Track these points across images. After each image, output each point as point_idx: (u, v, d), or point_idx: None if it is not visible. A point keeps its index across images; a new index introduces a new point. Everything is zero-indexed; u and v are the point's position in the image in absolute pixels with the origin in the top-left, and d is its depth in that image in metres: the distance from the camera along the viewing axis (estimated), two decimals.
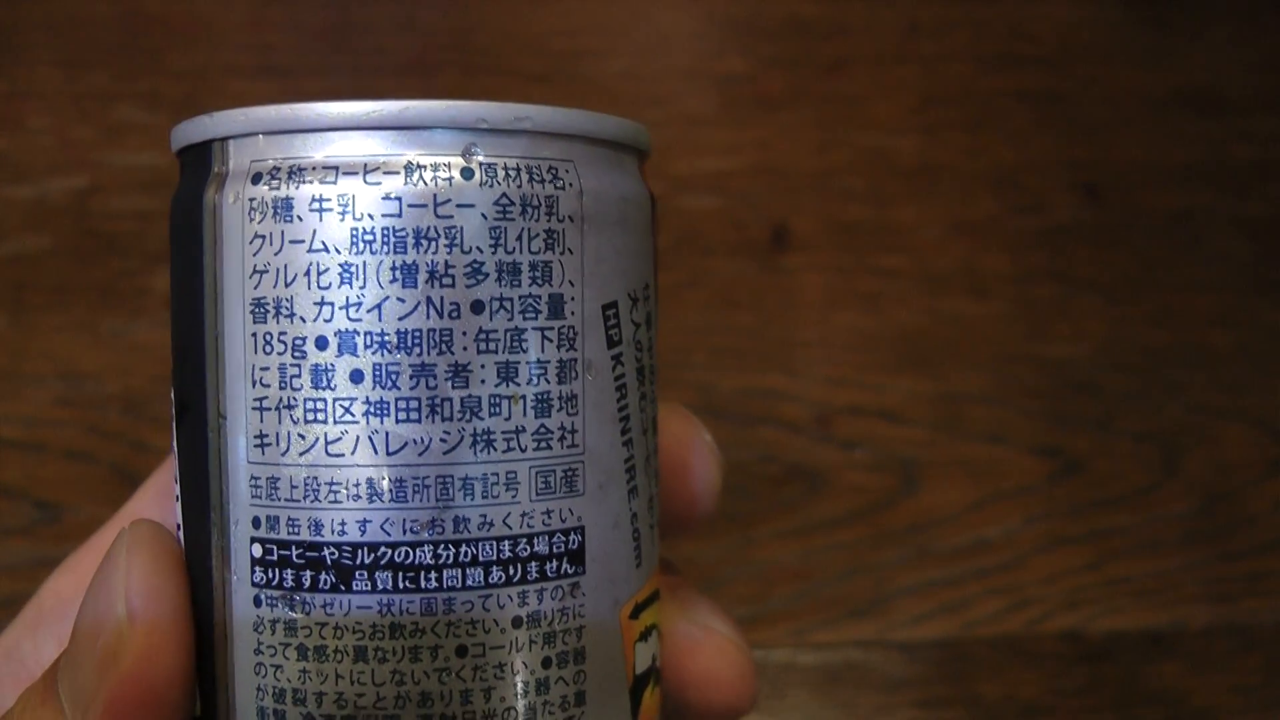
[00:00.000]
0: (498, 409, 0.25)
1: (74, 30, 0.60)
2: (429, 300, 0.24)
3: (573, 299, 0.26)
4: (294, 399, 0.25)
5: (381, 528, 0.24)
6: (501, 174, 0.25)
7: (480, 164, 0.25)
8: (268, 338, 0.25)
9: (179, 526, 0.27)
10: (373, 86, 0.61)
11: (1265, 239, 0.65)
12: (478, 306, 0.25)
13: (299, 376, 0.25)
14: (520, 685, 0.25)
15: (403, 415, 0.24)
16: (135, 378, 0.57)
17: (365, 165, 0.25)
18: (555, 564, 0.26)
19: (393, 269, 0.24)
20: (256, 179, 0.25)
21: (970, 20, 0.65)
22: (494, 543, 0.25)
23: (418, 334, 0.24)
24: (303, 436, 0.25)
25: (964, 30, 0.65)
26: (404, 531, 0.24)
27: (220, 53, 0.61)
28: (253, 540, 0.25)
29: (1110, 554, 0.61)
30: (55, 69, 0.60)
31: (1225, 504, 0.62)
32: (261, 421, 0.25)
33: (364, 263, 0.24)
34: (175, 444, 0.27)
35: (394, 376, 0.24)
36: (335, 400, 0.24)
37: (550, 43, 0.63)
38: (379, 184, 0.25)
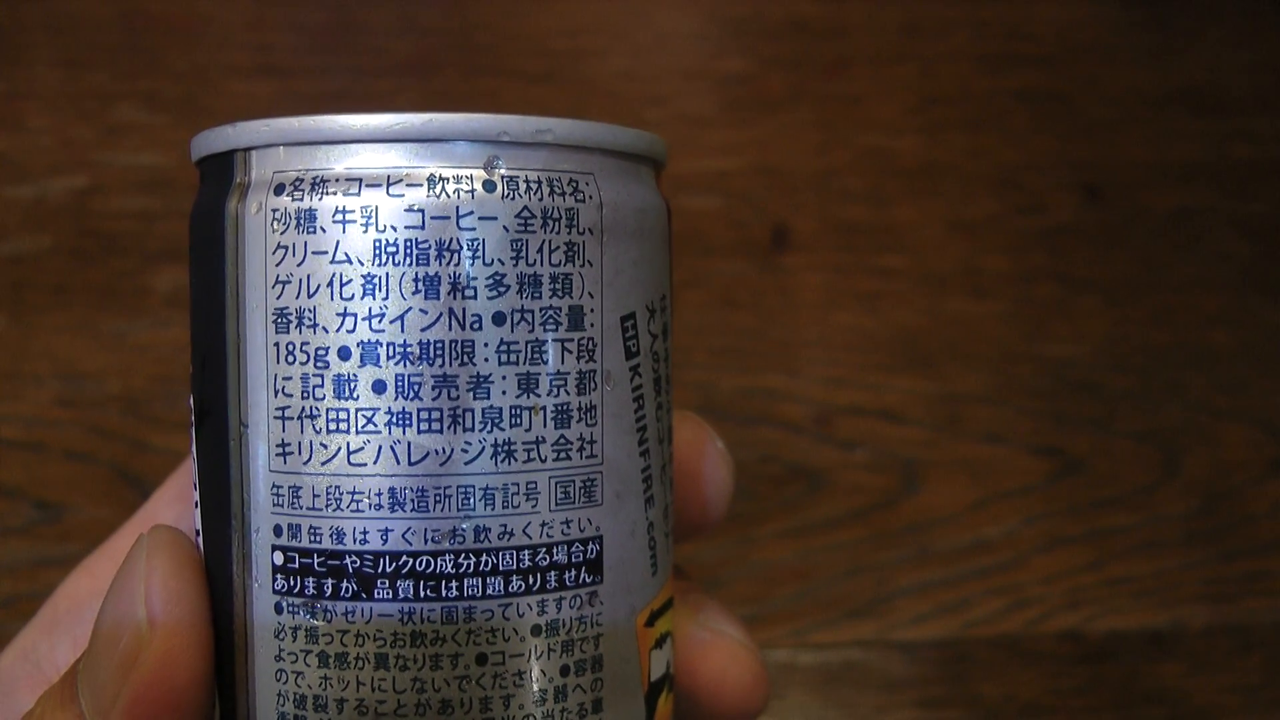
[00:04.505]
0: (518, 420, 0.25)
1: (74, 30, 0.60)
2: (451, 312, 0.25)
3: (592, 310, 0.26)
4: (316, 409, 0.25)
5: (403, 537, 0.25)
6: (523, 186, 0.25)
7: (502, 176, 0.25)
8: (290, 348, 0.25)
9: (198, 533, 0.27)
10: (373, 87, 0.61)
11: (1265, 239, 0.65)
12: (499, 318, 0.25)
13: (321, 386, 0.25)
14: (539, 693, 0.26)
15: (424, 426, 0.25)
16: (135, 378, 0.57)
17: (388, 177, 0.25)
18: (574, 573, 0.26)
19: (415, 280, 0.25)
20: (279, 190, 0.25)
21: (970, 20, 0.65)
22: (514, 552, 0.25)
23: (440, 345, 0.25)
24: (325, 446, 0.25)
25: (964, 30, 0.65)
26: (425, 541, 0.25)
27: (220, 53, 0.61)
28: (274, 548, 0.25)
29: (1110, 554, 0.61)
30: (55, 69, 0.60)
31: (1225, 504, 0.63)
32: (283, 430, 0.25)
33: (386, 274, 0.25)
34: (194, 450, 0.28)
35: (416, 387, 0.25)
36: (357, 410, 0.25)
37: (550, 43, 0.63)
38: (402, 196, 0.25)
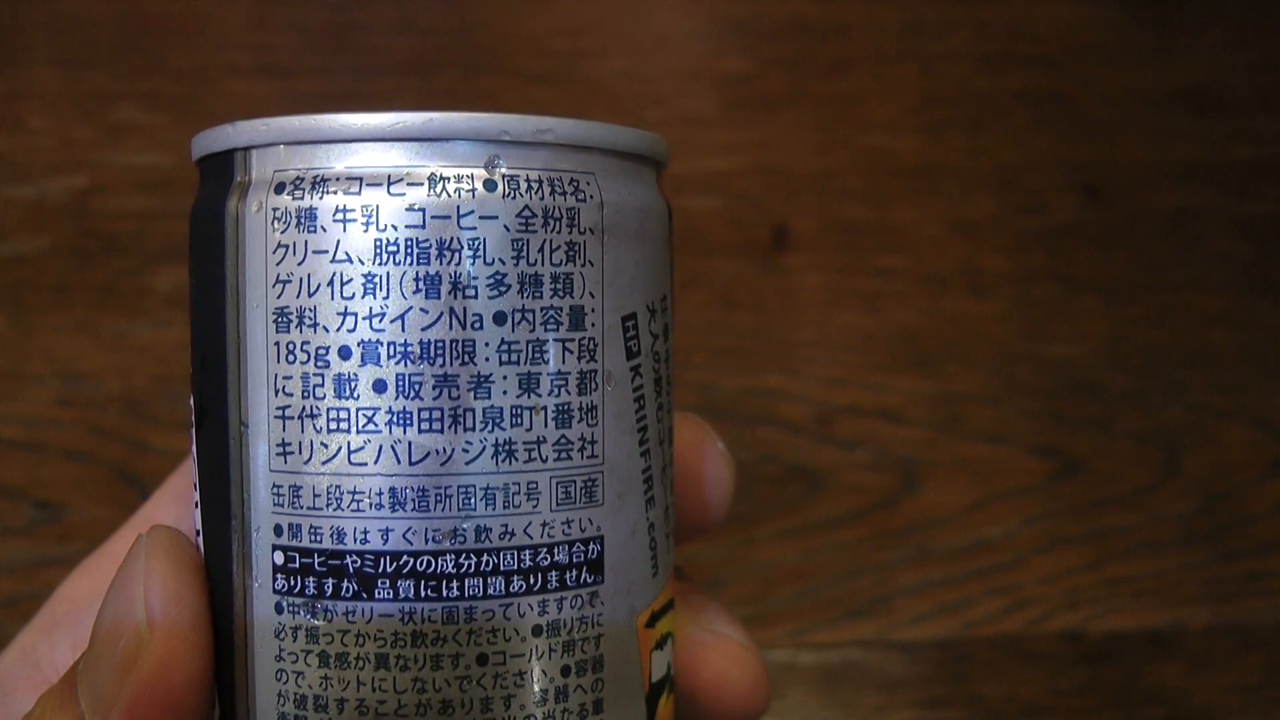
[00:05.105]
0: (519, 419, 0.25)
1: (74, 30, 0.60)
2: (451, 311, 0.25)
3: (593, 310, 0.26)
4: (317, 408, 0.25)
5: (404, 536, 0.25)
6: (524, 186, 0.25)
7: (503, 176, 0.25)
8: (290, 347, 0.25)
9: (198, 532, 0.27)
10: (373, 87, 0.61)
11: (1265, 239, 0.65)
12: (500, 318, 0.25)
13: (322, 386, 0.25)
14: (539, 693, 0.26)
15: (425, 425, 0.25)
16: (135, 378, 0.57)
17: (389, 176, 0.25)
18: (575, 573, 0.26)
19: (416, 280, 0.25)
20: (280, 189, 0.25)
21: (970, 20, 0.65)
22: (515, 552, 0.25)
23: (440, 345, 0.25)
24: (325, 445, 0.25)
25: (964, 30, 0.65)
26: (426, 540, 0.25)
27: (220, 53, 0.61)
28: (274, 548, 0.25)
29: (1110, 554, 0.61)
30: (55, 69, 0.60)
31: (1225, 504, 0.63)
32: (284, 430, 0.25)
33: (387, 273, 0.25)
34: (194, 450, 0.28)
35: (417, 387, 0.25)
36: (358, 410, 0.25)
37: (551, 43, 0.63)
38: (402, 195, 0.25)
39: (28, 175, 0.58)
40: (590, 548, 0.26)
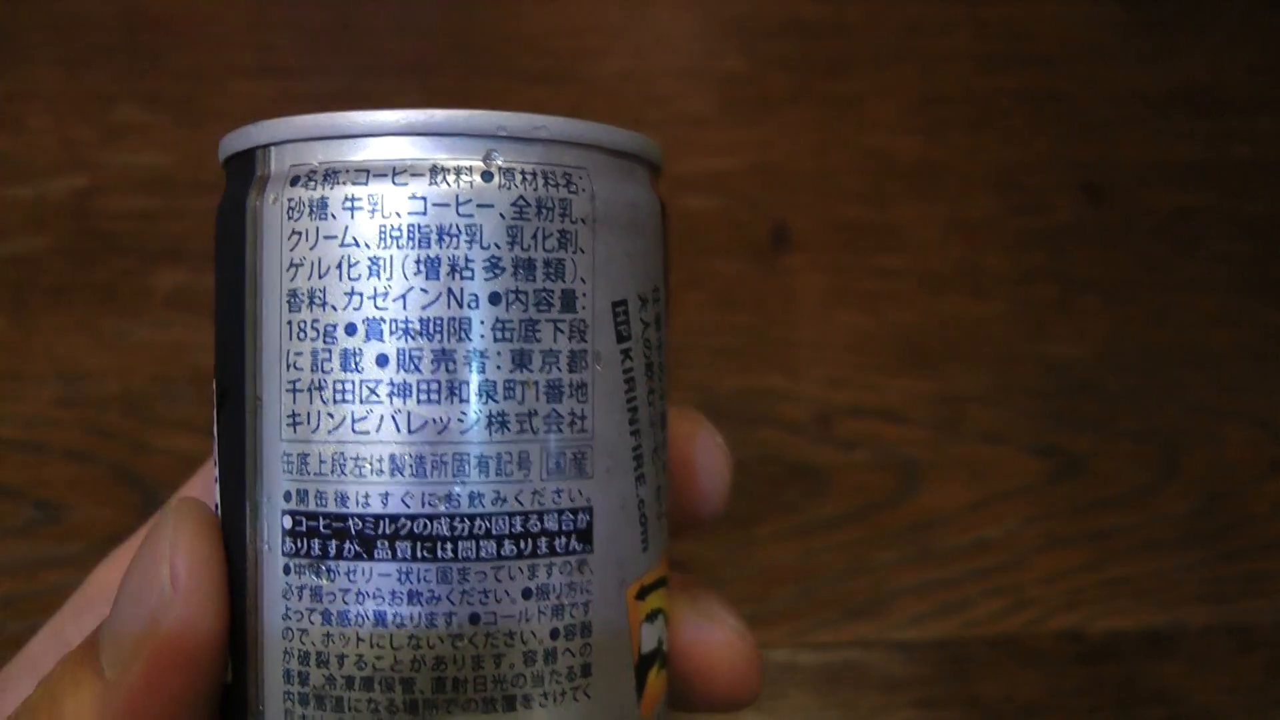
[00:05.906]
0: (512, 393, 0.27)
1: (74, 30, 0.60)
2: (450, 291, 0.26)
3: (584, 295, 0.28)
4: (324, 381, 0.27)
5: (402, 500, 0.26)
6: (519, 178, 0.27)
7: (499, 168, 0.27)
8: (301, 325, 0.27)
9: (217, 505, 0.29)
10: (373, 86, 0.61)
11: (1265, 239, 0.65)
12: (495, 298, 0.27)
13: (329, 360, 0.26)
14: (528, 654, 0.27)
15: (424, 396, 0.26)
16: (135, 378, 0.57)
17: (394, 168, 0.27)
18: (564, 540, 0.27)
19: (417, 262, 0.26)
20: (295, 181, 0.27)
21: (970, 20, 0.66)
22: (506, 518, 0.27)
23: (439, 322, 0.26)
24: (331, 415, 0.27)
25: (964, 30, 0.66)
26: (423, 504, 0.26)
27: (220, 53, 0.61)
28: (284, 512, 0.27)
29: (1110, 554, 0.61)
30: (55, 69, 0.60)
31: (1225, 504, 0.63)
32: (294, 402, 0.27)
33: (391, 256, 0.26)
34: (215, 430, 0.29)
35: (416, 360, 0.26)
36: (362, 382, 0.26)
37: (551, 43, 0.63)
38: (406, 185, 0.26)
39: (28, 175, 0.59)
40: (579, 517, 0.28)
